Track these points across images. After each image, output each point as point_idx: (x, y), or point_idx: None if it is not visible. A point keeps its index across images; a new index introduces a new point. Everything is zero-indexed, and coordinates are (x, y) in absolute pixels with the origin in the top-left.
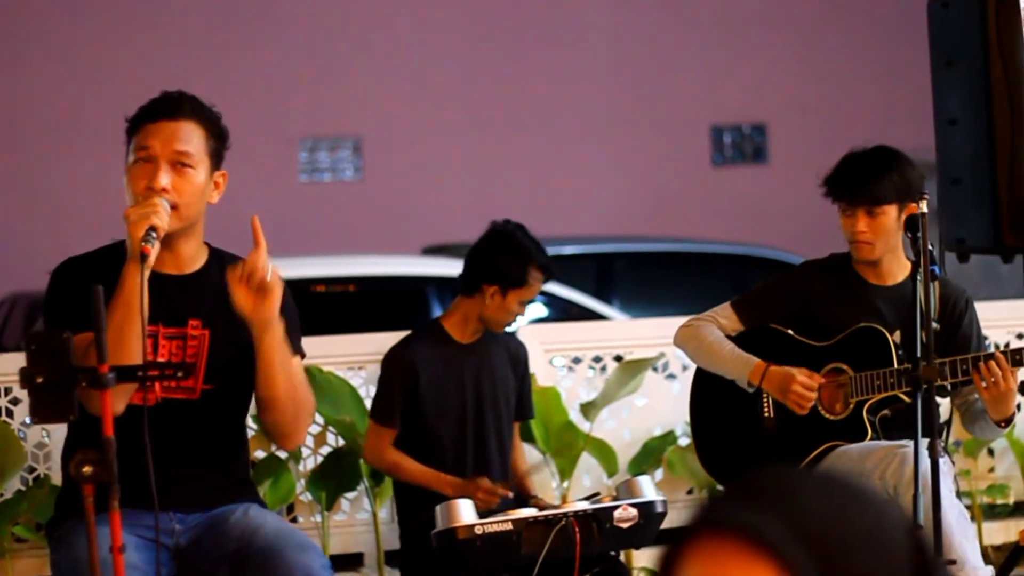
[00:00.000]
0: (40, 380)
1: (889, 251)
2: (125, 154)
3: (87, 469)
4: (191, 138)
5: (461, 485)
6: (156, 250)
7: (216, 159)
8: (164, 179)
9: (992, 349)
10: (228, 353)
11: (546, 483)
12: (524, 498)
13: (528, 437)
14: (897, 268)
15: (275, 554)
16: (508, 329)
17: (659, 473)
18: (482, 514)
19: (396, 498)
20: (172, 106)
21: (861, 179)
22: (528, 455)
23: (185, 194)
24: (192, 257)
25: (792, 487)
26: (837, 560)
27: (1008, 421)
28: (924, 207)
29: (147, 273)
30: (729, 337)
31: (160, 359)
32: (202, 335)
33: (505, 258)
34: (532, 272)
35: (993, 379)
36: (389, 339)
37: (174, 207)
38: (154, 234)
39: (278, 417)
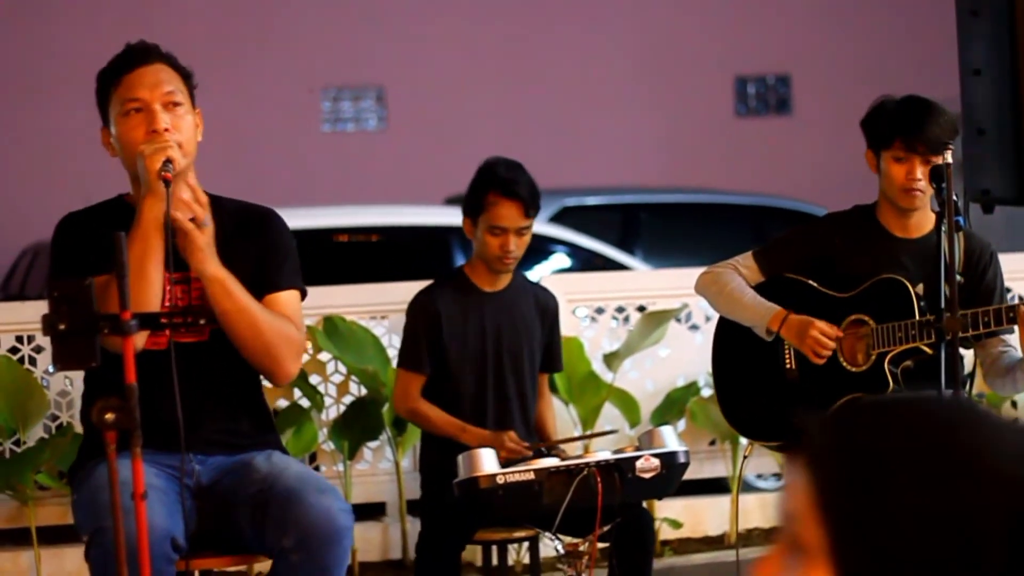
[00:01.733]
0: (62, 327)
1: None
2: (103, 113)
3: (109, 416)
4: (172, 80)
5: (488, 437)
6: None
7: (192, 97)
8: (165, 120)
9: (1016, 301)
10: None
11: (568, 433)
12: (547, 448)
13: (551, 388)
14: (925, 220)
15: (296, 496)
16: (506, 263)
17: (681, 424)
18: (504, 464)
19: (422, 446)
20: (144, 53)
21: (924, 125)
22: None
23: (184, 131)
24: (189, 201)
25: (881, 407)
26: (877, 481)
27: None
28: (949, 158)
29: (165, 207)
30: (750, 287)
31: (167, 304)
32: None
33: (469, 188)
34: (490, 196)
35: None
36: (412, 288)
37: (178, 145)
38: (171, 165)
39: (249, 356)
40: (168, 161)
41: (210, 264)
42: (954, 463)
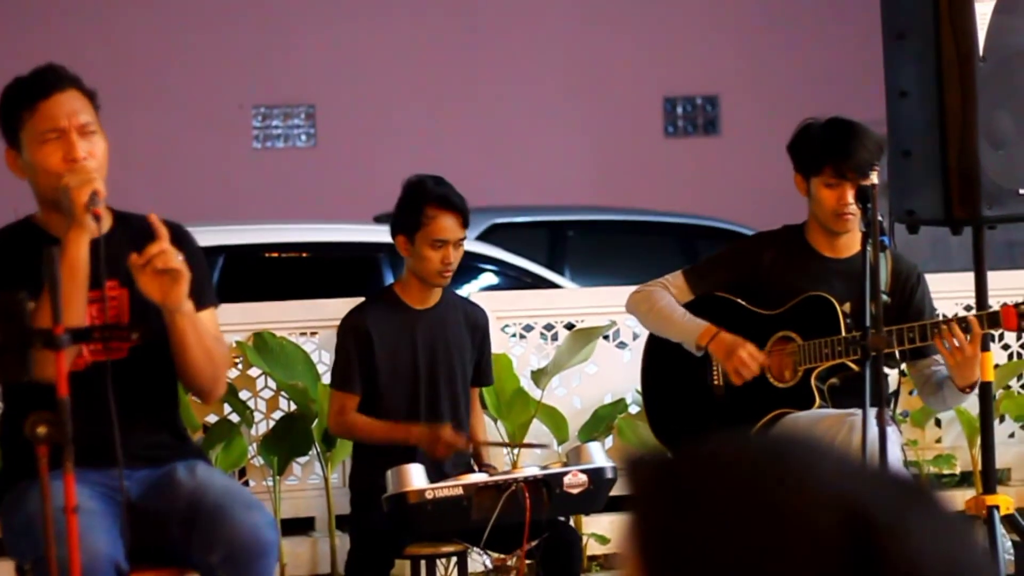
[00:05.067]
0: None
1: None
2: (9, 134)
3: (42, 429)
4: (84, 106)
5: (425, 433)
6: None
7: (98, 118)
8: (83, 147)
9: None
10: (149, 309)
11: (497, 451)
12: (478, 464)
13: (480, 404)
14: (853, 241)
15: (222, 512)
16: (445, 276)
17: (609, 440)
18: (433, 479)
19: (352, 463)
20: (57, 79)
21: (853, 151)
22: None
23: (98, 158)
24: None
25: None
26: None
27: (972, 387)
28: (875, 178)
29: (88, 238)
30: (680, 305)
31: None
32: (121, 294)
33: (400, 206)
34: (427, 211)
35: (957, 344)
36: (342, 306)
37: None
38: (97, 198)
39: (198, 382)
40: (95, 193)
41: (187, 301)
42: (774, 494)
